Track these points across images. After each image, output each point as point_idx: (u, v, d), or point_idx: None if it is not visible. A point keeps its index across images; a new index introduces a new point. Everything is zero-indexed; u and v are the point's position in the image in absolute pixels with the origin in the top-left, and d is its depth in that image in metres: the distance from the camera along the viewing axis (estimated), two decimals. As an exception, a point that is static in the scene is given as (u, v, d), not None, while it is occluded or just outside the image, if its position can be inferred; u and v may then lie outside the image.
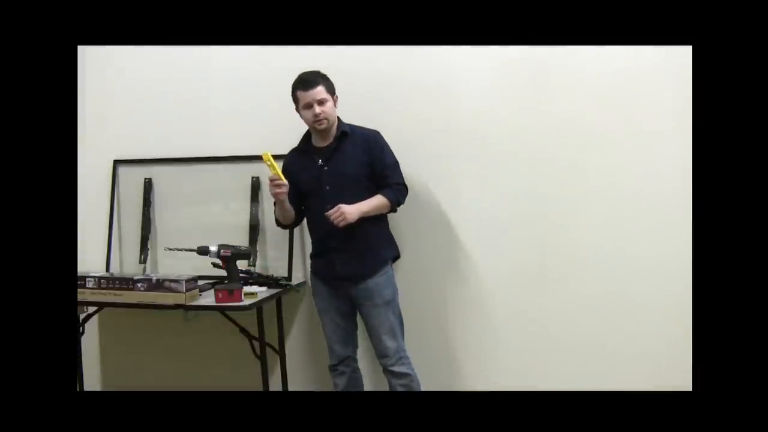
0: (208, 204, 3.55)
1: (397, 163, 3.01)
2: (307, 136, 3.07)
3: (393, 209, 3.00)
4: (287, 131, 3.05)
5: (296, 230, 3.35)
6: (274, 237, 3.42)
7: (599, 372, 3.07)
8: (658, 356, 3.00)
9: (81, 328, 3.44)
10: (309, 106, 2.92)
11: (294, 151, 3.10)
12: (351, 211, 2.85)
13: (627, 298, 3.06)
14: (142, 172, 3.63)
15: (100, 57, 3.58)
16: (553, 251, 3.14)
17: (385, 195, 2.95)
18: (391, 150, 3.02)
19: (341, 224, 2.84)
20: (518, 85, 3.12)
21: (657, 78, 2.96)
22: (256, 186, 3.46)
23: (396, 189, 2.98)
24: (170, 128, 3.59)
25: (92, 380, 3.74)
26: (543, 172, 3.12)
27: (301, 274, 3.41)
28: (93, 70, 3.60)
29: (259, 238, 3.44)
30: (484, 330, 3.25)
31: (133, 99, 3.65)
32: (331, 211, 2.83)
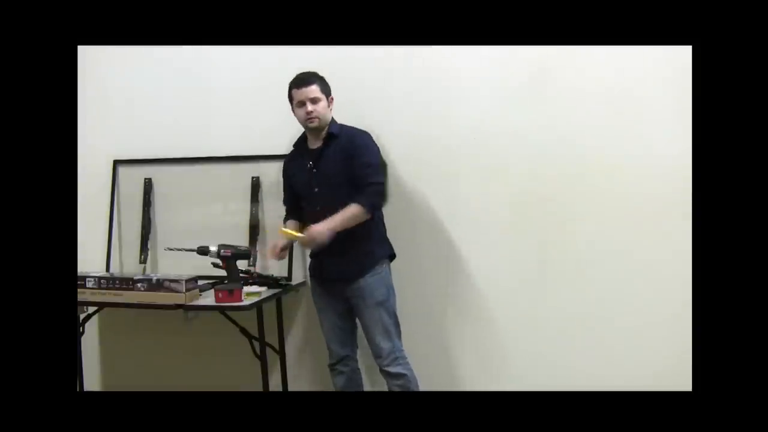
0: (208, 204, 3.54)
1: (378, 163, 2.95)
2: (303, 137, 3.07)
3: (370, 214, 2.89)
4: (287, 131, 3.05)
5: (296, 230, 3.35)
6: (274, 237, 3.41)
7: (598, 372, 3.07)
8: (658, 356, 3.00)
9: (81, 328, 3.44)
10: (302, 104, 2.92)
11: (293, 151, 3.12)
12: (321, 231, 2.81)
13: (626, 299, 3.06)
14: (142, 172, 3.63)
15: (99, 57, 3.57)
16: (552, 252, 3.13)
17: (357, 202, 2.84)
18: (375, 150, 2.96)
19: (312, 248, 2.90)
20: (518, 86, 3.12)
21: (657, 78, 2.96)
22: (256, 186, 3.45)
23: (369, 191, 2.87)
24: (170, 128, 3.59)
25: (92, 380, 3.74)
26: (543, 173, 3.12)
27: (301, 274, 3.41)
28: (93, 70, 3.59)
29: (259, 238, 3.44)
30: (483, 331, 3.25)
31: (133, 99, 3.65)
32: (306, 243, 2.90)
